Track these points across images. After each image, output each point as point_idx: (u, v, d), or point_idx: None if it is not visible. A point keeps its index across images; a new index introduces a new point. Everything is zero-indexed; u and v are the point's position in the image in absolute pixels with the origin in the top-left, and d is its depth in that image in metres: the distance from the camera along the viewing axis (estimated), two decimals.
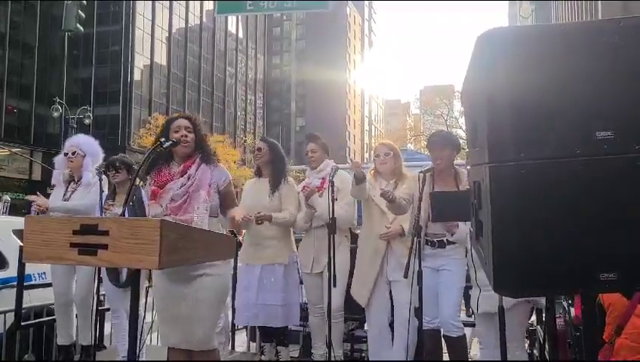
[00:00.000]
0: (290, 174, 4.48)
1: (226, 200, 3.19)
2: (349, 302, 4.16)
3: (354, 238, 4.32)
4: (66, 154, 4.46)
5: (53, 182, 4.61)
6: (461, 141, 5.78)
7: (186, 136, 3.08)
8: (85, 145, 4.54)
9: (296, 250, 4.32)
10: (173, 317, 2.94)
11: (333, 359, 3.86)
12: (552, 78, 1.50)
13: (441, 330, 3.71)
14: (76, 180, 4.44)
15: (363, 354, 4.51)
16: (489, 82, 1.56)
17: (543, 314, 3.44)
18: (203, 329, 2.90)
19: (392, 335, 3.97)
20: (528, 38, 1.57)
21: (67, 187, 4.45)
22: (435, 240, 3.70)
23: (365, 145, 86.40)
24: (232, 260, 3.16)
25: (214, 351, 3.01)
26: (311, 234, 4.19)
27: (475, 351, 4.59)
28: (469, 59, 1.77)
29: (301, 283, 4.47)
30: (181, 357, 2.99)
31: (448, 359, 3.79)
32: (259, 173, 4.37)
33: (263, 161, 4.28)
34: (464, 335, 3.69)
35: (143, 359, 4.01)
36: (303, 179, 4.54)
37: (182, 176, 3.04)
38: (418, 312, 3.41)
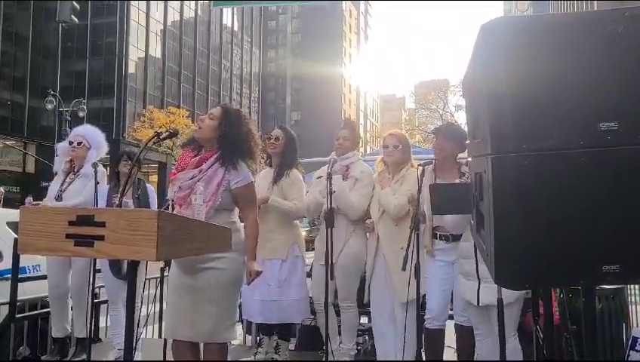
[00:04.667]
0: (298, 167, 4.33)
1: (239, 201, 3.04)
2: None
3: None
4: (70, 143, 4.41)
5: (55, 169, 4.57)
6: None
7: (202, 120, 3.01)
8: (92, 136, 4.51)
9: (302, 243, 4.23)
10: (182, 308, 2.92)
11: (330, 353, 3.84)
12: (556, 69, 1.49)
13: (454, 319, 3.70)
14: (75, 171, 4.40)
15: (359, 348, 4.51)
16: (491, 72, 1.54)
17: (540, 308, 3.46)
18: (210, 321, 2.89)
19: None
20: (531, 28, 1.55)
21: (65, 178, 4.41)
22: (448, 234, 3.61)
23: (360, 139, 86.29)
24: (244, 253, 3.08)
25: (223, 345, 3.00)
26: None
27: None
28: (465, 54, 1.75)
29: (308, 276, 4.39)
30: (187, 351, 2.98)
31: (446, 353, 3.79)
32: (270, 163, 4.26)
33: (276, 151, 4.17)
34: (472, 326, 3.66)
35: (139, 352, 4.00)
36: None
37: (195, 168, 2.97)
38: (417, 305, 3.40)
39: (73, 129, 4.72)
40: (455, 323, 3.68)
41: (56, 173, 4.53)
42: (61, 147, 4.53)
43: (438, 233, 3.63)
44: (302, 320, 4.38)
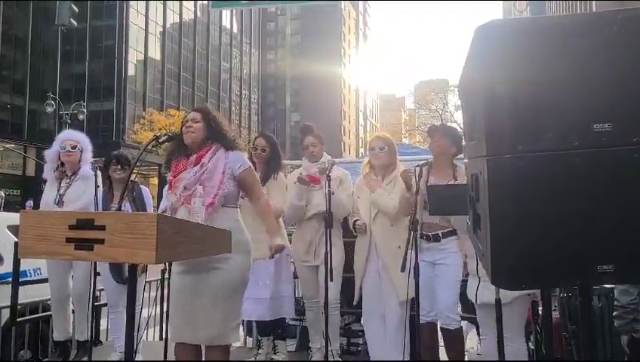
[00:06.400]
0: (284, 170, 4.40)
1: (245, 185, 3.13)
2: (346, 295, 4.15)
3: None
4: (63, 148, 4.42)
5: (44, 176, 4.58)
6: None
7: (190, 126, 3.08)
8: (83, 141, 4.54)
9: (289, 243, 4.29)
10: (186, 311, 2.93)
11: (330, 352, 3.85)
12: (550, 70, 1.50)
13: (438, 323, 3.72)
14: (69, 175, 4.41)
15: (359, 348, 4.52)
16: (487, 74, 1.56)
17: (539, 307, 3.47)
18: (214, 324, 2.90)
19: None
20: (526, 30, 1.56)
21: (60, 183, 4.41)
22: (430, 233, 3.70)
23: (360, 140, 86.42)
24: (249, 254, 3.12)
25: (225, 347, 3.00)
26: (306, 226, 4.12)
27: (470, 344, 4.61)
28: (464, 54, 1.76)
29: (295, 277, 4.45)
30: (189, 353, 2.98)
31: (444, 351, 3.81)
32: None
33: (262, 161, 4.23)
34: (461, 327, 3.70)
35: (140, 355, 4.01)
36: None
37: (195, 166, 3.04)
38: (415, 305, 3.42)
39: (60, 135, 4.70)
40: (440, 327, 3.71)
41: (45, 180, 4.54)
42: (50, 153, 4.52)
43: (422, 232, 3.67)
44: (300, 321, 4.41)
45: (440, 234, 3.68)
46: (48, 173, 4.52)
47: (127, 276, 4.04)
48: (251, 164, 3.25)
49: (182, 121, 3.21)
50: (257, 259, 3.99)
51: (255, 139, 4.38)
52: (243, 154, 3.24)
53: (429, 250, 3.68)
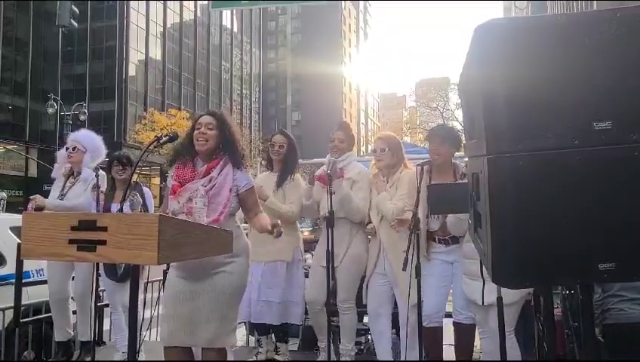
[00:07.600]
0: (298, 170, 4.37)
1: (246, 204, 3.08)
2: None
3: None
4: (67, 149, 4.44)
5: (53, 175, 4.60)
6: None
7: (204, 133, 2.99)
8: (86, 140, 4.51)
9: (301, 246, 4.26)
10: (184, 313, 2.91)
11: (343, 352, 3.86)
12: (550, 69, 1.50)
13: (452, 319, 3.72)
14: (75, 175, 4.43)
15: (362, 347, 4.52)
16: (486, 73, 1.56)
17: (541, 305, 3.47)
18: (213, 326, 2.89)
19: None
20: (526, 29, 1.56)
21: (65, 182, 4.43)
22: (447, 237, 3.64)
23: (362, 139, 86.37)
24: (248, 257, 3.11)
25: (223, 350, 2.98)
26: (323, 228, 4.03)
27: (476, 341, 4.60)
28: (464, 52, 1.77)
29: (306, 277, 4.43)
30: (180, 356, 2.97)
31: (448, 350, 3.80)
32: (270, 167, 4.29)
33: (280, 158, 4.21)
34: (474, 324, 3.68)
35: (142, 354, 4.02)
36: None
37: (204, 177, 2.97)
38: (418, 306, 3.41)
39: (70, 134, 4.73)
40: (454, 322, 3.69)
41: (54, 180, 4.55)
42: (60, 154, 4.54)
43: (437, 237, 3.64)
44: (302, 320, 4.40)
45: (459, 237, 3.62)
46: (57, 172, 4.54)
47: (121, 273, 4.08)
48: (254, 182, 3.19)
49: (193, 123, 3.11)
50: (268, 262, 4.01)
51: (272, 136, 4.33)
52: (248, 172, 3.16)
53: (446, 253, 3.65)
